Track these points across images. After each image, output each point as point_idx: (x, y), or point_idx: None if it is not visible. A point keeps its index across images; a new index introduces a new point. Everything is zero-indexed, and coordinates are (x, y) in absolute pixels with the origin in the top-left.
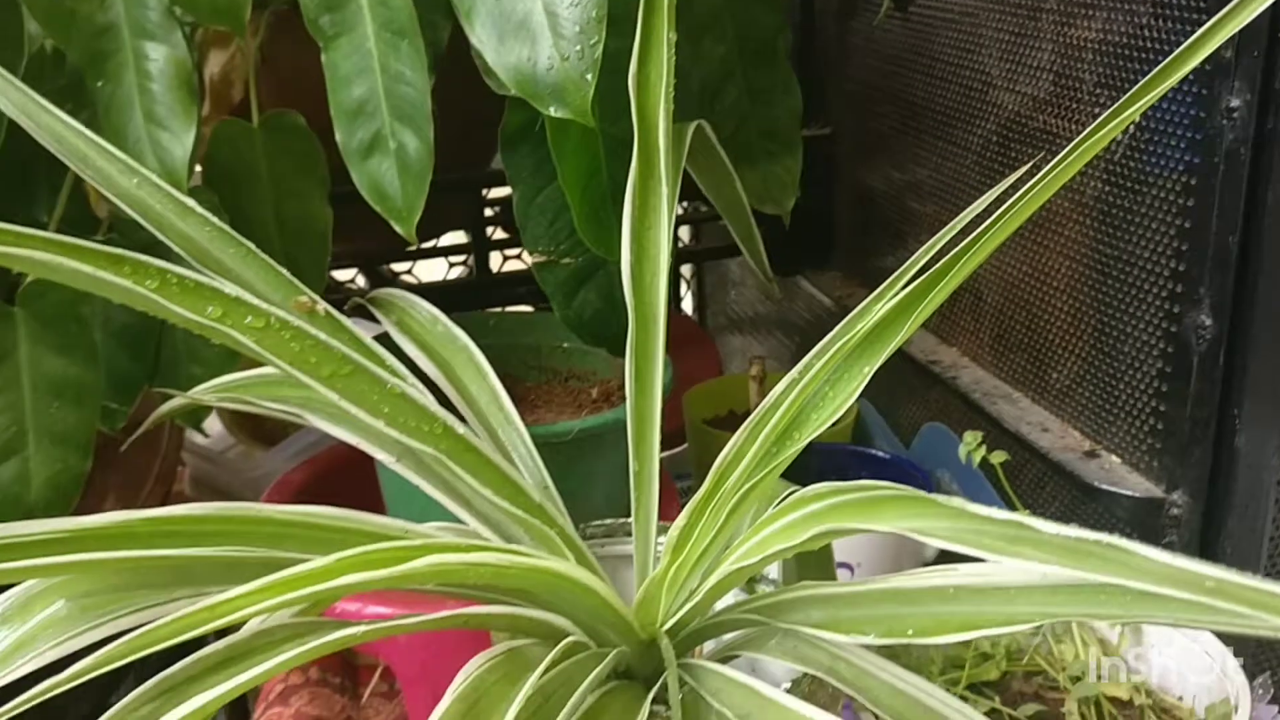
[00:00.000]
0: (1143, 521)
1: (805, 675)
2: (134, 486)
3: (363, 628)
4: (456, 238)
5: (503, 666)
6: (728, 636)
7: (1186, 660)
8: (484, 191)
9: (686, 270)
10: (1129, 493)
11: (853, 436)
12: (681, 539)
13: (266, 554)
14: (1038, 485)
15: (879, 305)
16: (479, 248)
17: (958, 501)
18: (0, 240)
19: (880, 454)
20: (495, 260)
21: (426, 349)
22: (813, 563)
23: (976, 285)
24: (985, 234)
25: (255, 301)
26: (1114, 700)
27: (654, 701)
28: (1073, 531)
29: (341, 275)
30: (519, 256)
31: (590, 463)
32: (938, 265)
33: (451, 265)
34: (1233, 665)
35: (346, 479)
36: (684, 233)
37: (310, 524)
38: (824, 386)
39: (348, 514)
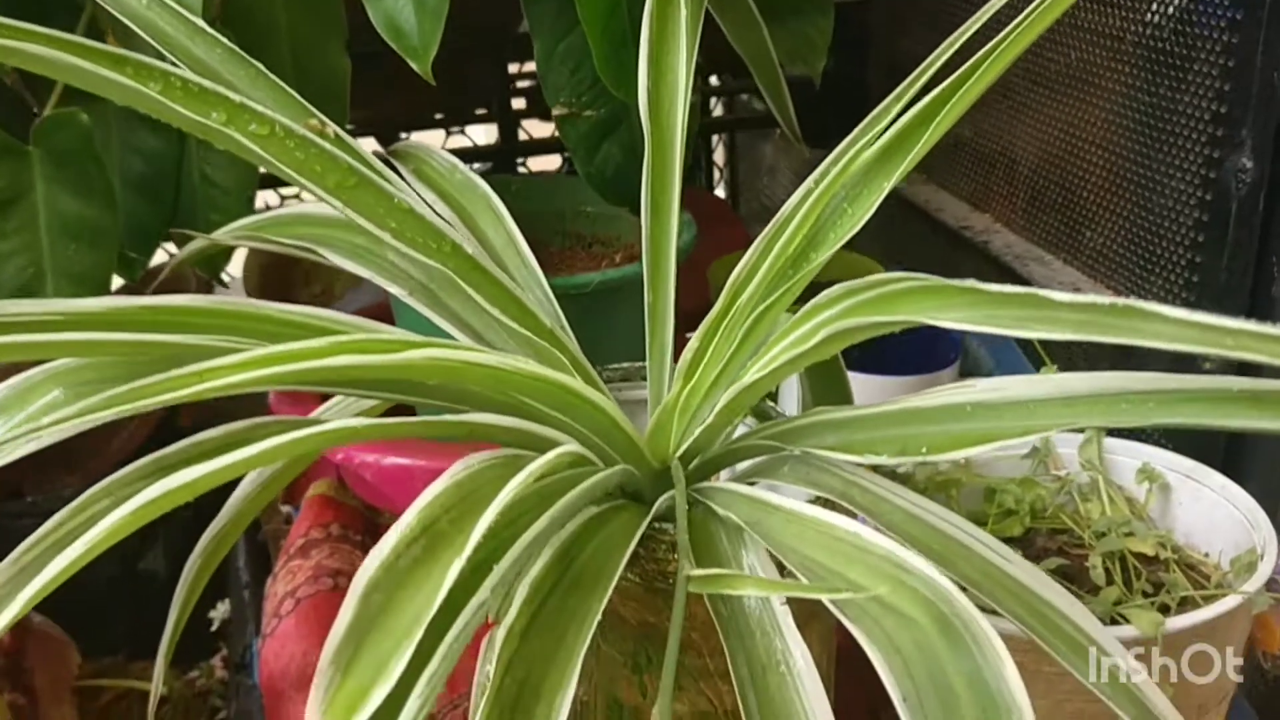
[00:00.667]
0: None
1: (818, 499)
2: None
3: (363, 421)
4: (486, 134)
5: (505, 467)
6: (741, 465)
7: (1214, 515)
8: (509, 68)
9: (720, 158)
10: (1164, 347)
11: None
12: (693, 363)
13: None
14: (1068, 344)
15: (898, 107)
16: (504, 122)
17: (971, 282)
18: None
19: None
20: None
21: (444, 195)
22: (829, 392)
23: (1011, 149)
24: (1016, 29)
25: (260, 108)
26: (1139, 556)
27: (660, 519)
28: (1087, 299)
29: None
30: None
31: (609, 316)
32: (964, 67)
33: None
34: (1262, 517)
35: None
36: (718, 110)
37: (311, 324)
38: (841, 202)
39: (353, 318)
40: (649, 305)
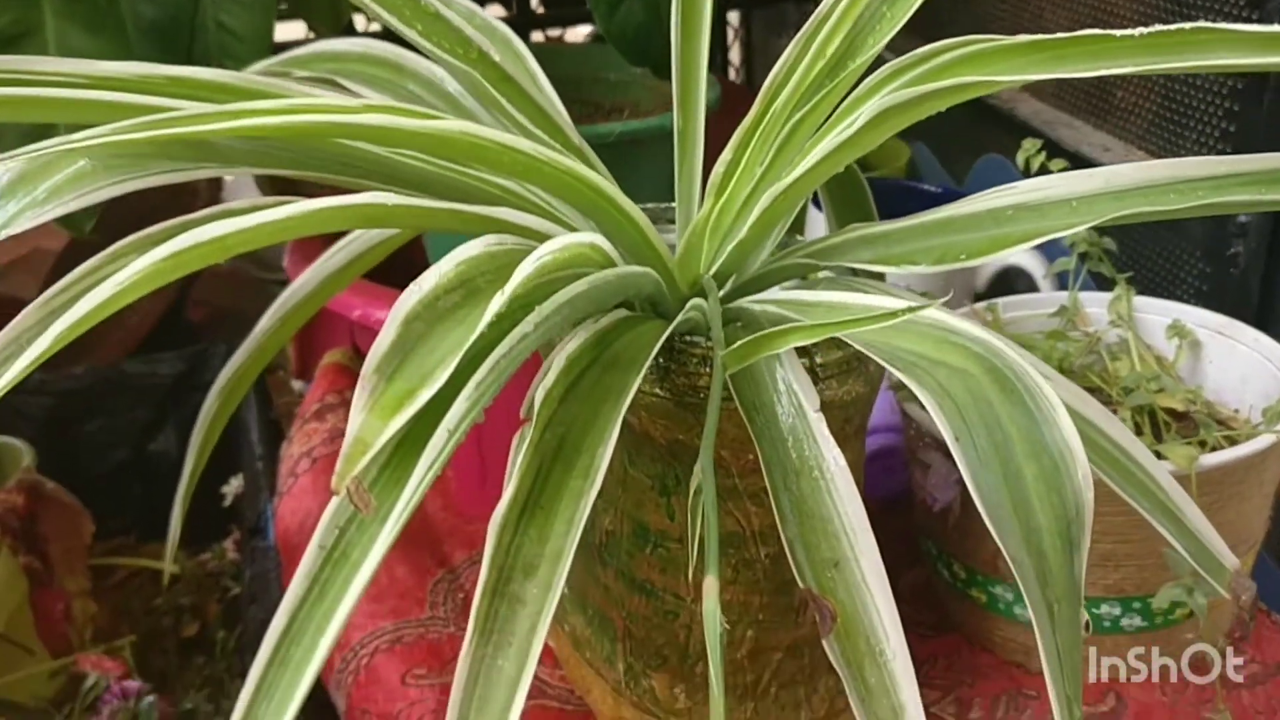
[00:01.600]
0: (1210, 233)
1: None
2: None
3: (393, 198)
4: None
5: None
6: (774, 290)
7: (1246, 370)
8: None
9: (735, 56)
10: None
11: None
12: (725, 176)
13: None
14: None
15: None
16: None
17: (1026, 36)
18: None
19: (933, 188)
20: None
21: None
22: (855, 217)
23: (1039, 15)
24: None
25: None
26: (1168, 411)
27: (691, 333)
28: (1151, 28)
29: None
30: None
31: (632, 170)
32: None
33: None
34: None
35: None
36: None
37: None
38: (880, 4)
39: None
40: (678, 131)
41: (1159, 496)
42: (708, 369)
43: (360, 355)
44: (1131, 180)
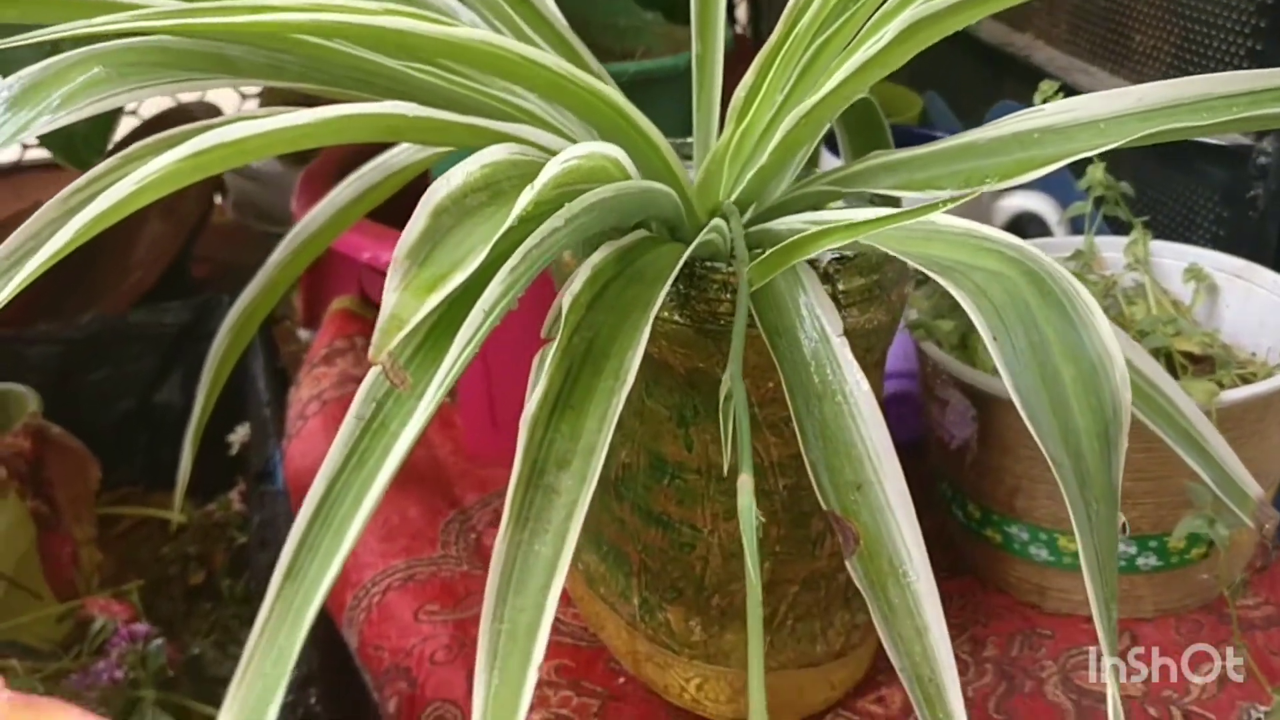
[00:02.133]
0: (1229, 176)
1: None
2: (174, 203)
3: (411, 108)
4: None
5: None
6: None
7: (1264, 313)
8: None
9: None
10: (1214, 142)
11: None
12: (746, 100)
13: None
14: None
15: None
16: None
17: None
18: None
19: (947, 135)
20: None
21: None
22: (872, 146)
23: None
24: None
25: None
26: (1185, 354)
27: (711, 259)
28: None
29: None
30: None
31: (647, 109)
32: None
33: None
34: None
35: None
36: None
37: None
38: None
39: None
40: (696, 56)
41: (1183, 425)
42: (729, 295)
43: (368, 302)
44: (1162, 98)
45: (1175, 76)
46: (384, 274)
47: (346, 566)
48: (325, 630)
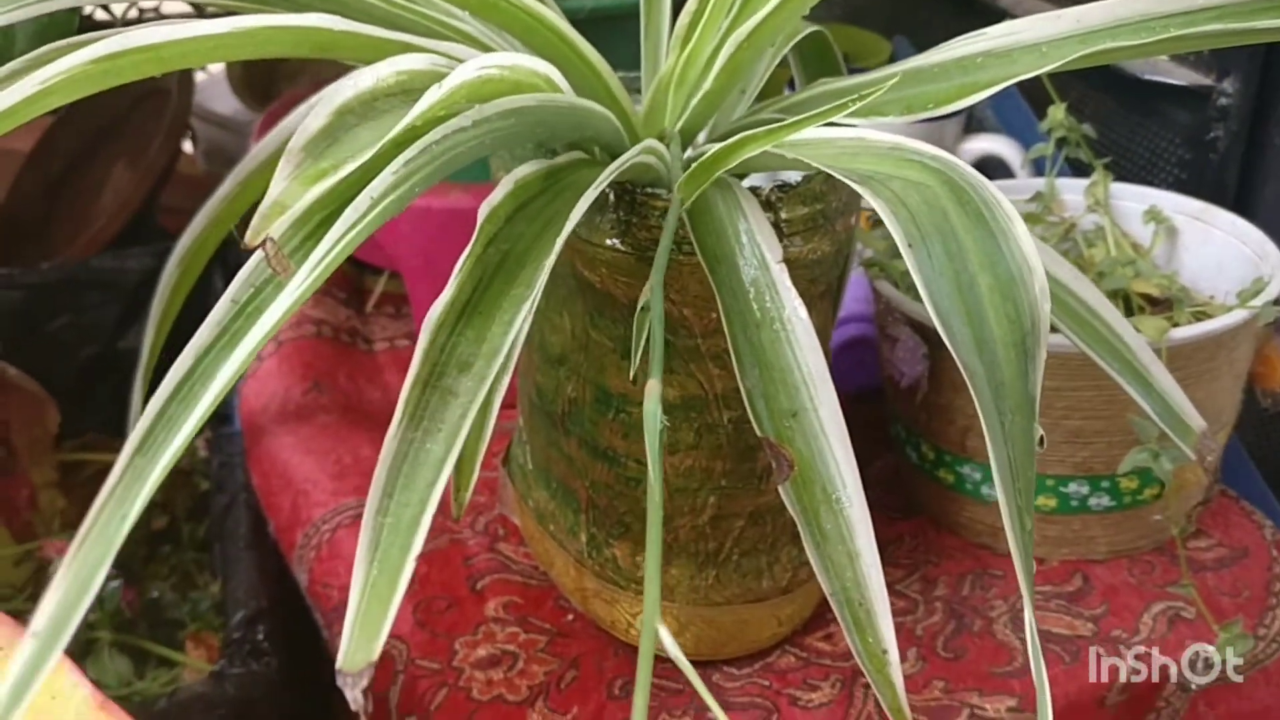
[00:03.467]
0: (1190, 118)
1: (819, 174)
2: (140, 151)
3: (340, 23)
4: None
5: None
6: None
7: (1222, 256)
8: None
9: None
10: (1177, 83)
11: None
12: (690, 27)
13: None
14: (1078, 83)
15: None
16: None
17: None
18: None
19: None
20: None
21: None
22: (826, 71)
23: None
24: None
25: None
26: (1144, 296)
27: (653, 185)
28: None
29: None
30: None
31: (606, 49)
32: None
33: None
34: (1271, 248)
35: None
36: None
37: None
38: None
39: None
40: None
41: (1127, 357)
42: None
43: None
44: (1101, 19)
45: None
46: None
47: (297, 505)
48: (276, 569)
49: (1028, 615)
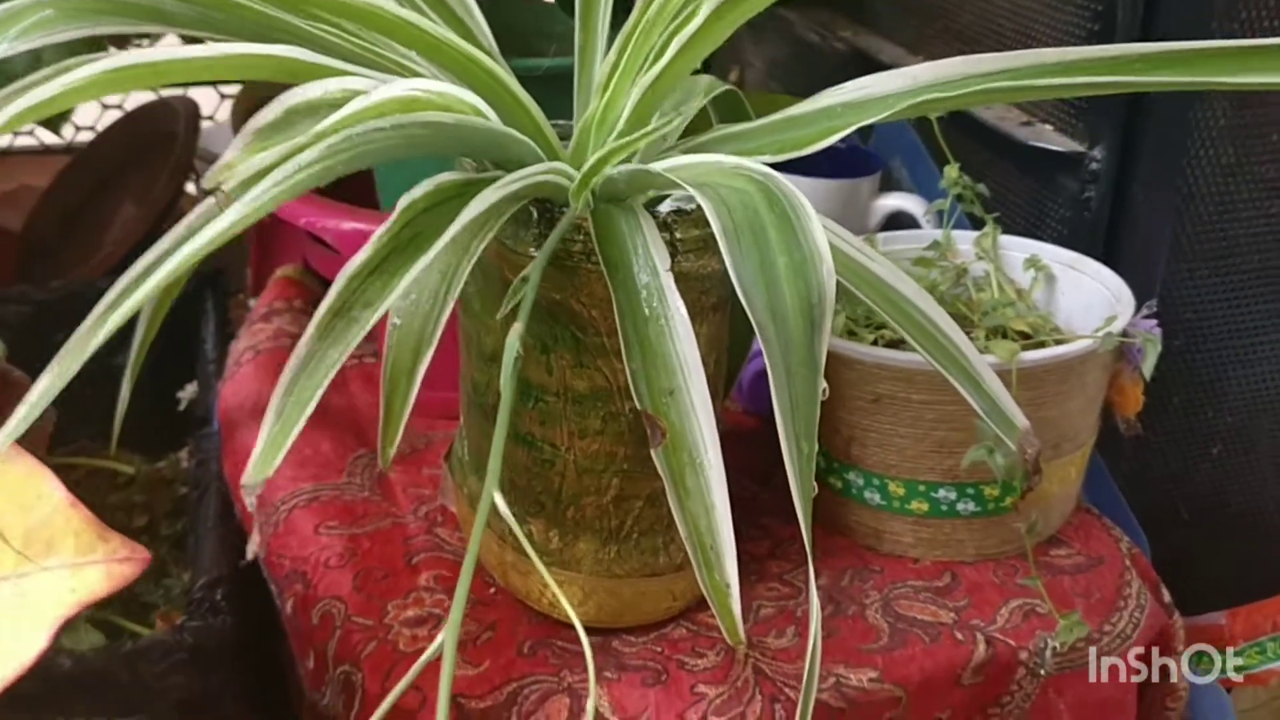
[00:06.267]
0: (1069, 180)
1: None
2: (148, 188)
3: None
4: None
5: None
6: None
7: (1090, 299)
8: None
9: None
10: (1057, 149)
11: None
12: (609, 76)
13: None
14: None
15: None
16: None
17: None
18: None
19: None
20: None
21: None
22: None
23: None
24: None
25: None
26: (1020, 334)
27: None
28: None
29: None
30: None
31: (564, 105)
32: None
33: None
34: (1126, 292)
35: None
36: None
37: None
38: None
39: None
40: (579, 47)
41: (962, 364)
42: (580, 236)
43: (311, 271)
44: (931, 77)
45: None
46: (321, 241)
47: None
48: (239, 545)
49: (806, 536)
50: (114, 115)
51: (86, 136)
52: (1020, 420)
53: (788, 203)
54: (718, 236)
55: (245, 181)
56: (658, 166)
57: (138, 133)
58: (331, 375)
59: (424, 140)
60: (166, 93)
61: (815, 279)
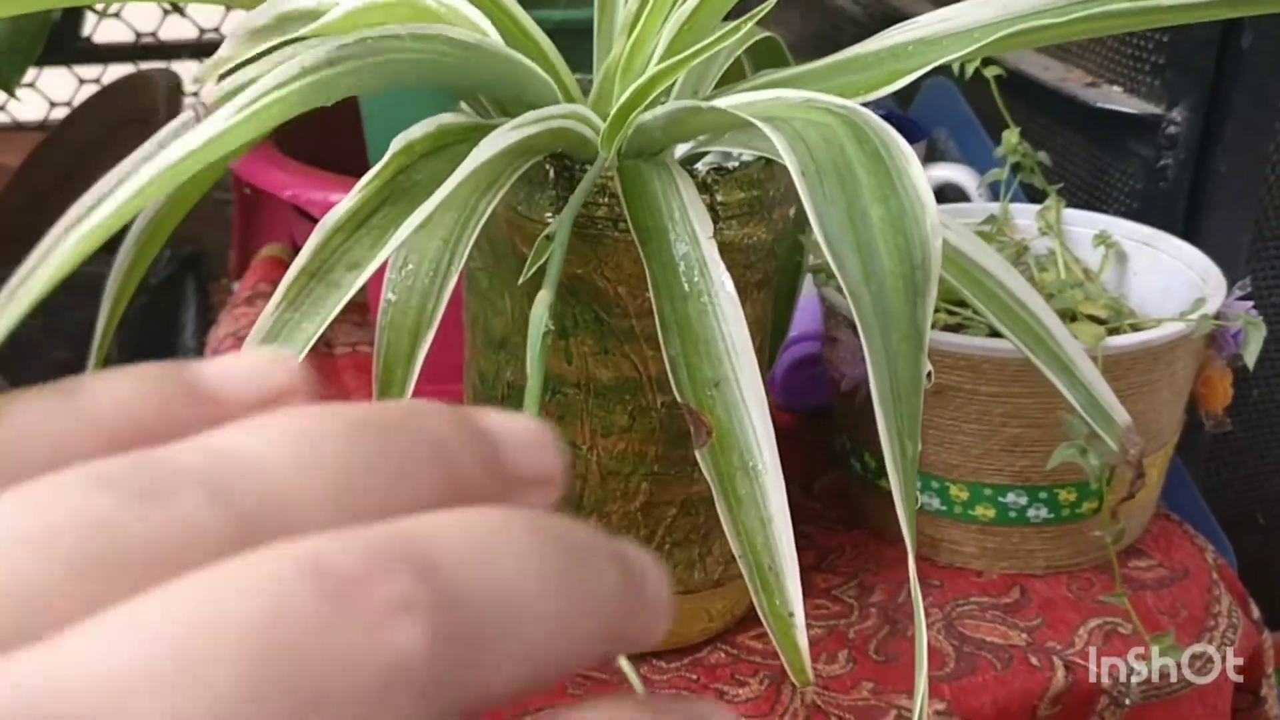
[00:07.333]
0: (1141, 147)
1: (757, 159)
2: None
3: None
4: None
5: None
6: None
7: (1170, 281)
8: None
9: None
10: (1129, 111)
11: None
12: (636, 15)
13: None
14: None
15: None
16: None
17: None
18: None
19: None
20: None
21: None
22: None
23: None
24: None
25: None
26: (1091, 318)
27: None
28: None
29: None
30: None
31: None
32: None
33: None
34: (1215, 271)
35: None
36: None
37: None
38: None
39: None
40: None
41: (1052, 349)
42: (605, 198)
43: (295, 251)
44: (1027, 4)
45: (1094, 53)
46: (309, 217)
47: None
48: None
49: (910, 558)
50: (90, 90)
51: (61, 113)
52: (1121, 415)
53: (880, 140)
54: (795, 180)
55: (230, 94)
56: (709, 103)
57: (115, 108)
58: (305, 352)
59: (438, 61)
60: (146, 65)
61: (918, 234)
